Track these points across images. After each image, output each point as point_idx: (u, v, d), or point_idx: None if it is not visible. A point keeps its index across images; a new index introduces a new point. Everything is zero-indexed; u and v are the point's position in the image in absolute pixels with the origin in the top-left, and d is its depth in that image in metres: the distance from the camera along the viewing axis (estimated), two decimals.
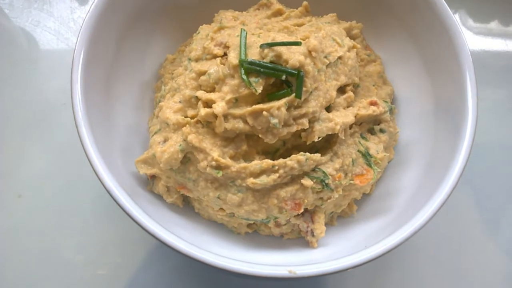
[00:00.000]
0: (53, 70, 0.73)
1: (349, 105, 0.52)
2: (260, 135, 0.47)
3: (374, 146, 0.52)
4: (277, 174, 0.46)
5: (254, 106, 0.46)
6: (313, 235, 0.51)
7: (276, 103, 0.45)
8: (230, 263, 0.41)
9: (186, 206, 0.55)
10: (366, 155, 0.51)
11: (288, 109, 0.46)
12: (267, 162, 0.47)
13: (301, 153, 0.47)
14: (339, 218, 0.56)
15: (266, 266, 0.41)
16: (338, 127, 0.48)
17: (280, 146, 0.51)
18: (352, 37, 0.58)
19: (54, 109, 0.69)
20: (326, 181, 0.48)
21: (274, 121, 0.45)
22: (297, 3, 0.59)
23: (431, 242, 0.63)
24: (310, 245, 0.52)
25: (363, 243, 0.48)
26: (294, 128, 0.47)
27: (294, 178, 0.48)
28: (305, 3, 0.58)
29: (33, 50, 0.74)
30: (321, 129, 0.48)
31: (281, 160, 0.47)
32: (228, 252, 0.51)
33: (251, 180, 0.46)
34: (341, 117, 0.49)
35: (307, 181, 0.47)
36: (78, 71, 0.47)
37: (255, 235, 0.55)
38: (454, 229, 0.64)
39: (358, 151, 0.51)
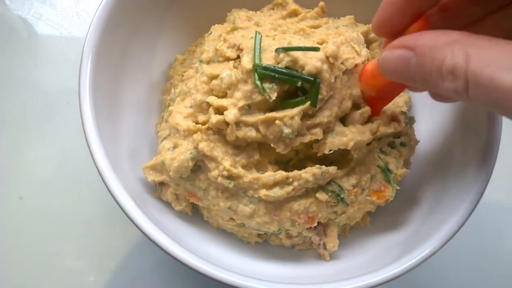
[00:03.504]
0: (55, 66, 0.70)
1: (366, 121, 0.49)
2: (272, 145, 0.45)
3: (394, 161, 0.50)
4: (291, 187, 0.44)
5: (267, 115, 0.44)
6: (325, 248, 0.49)
7: (289, 112, 0.43)
8: (242, 280, 0.40)
9: (195, 214, 0.53)
10: (385, 171, 0.48)
11: (302, 118, 0.44)
12: (281, 174, 0.45)
13: (317, 166, 0.45)
14: (352, 229, 0.54)
15: (281, 284, 0.40)
16: (351, 143, 0.45)
17: (293, 156, 0.49)
18: (370, 41, 0.56)
19: (57, 107, 0.67)
20: (342, 196, 0.46)
21: (287, 130, 0.43)
22: (312, 3, 0.57)
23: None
24: (322, 257, 0.50)
25: (379, 258, 0.46)
26: (307, 138, 0.45)
27: (308, 191, 0.46)
28: (321, 3, 0.56)
29: (34, 44, 0.72)
30: (333, 142, 0.45)
31: (295, 172, 0.45)
32: (237, 262, 0.50)
33: (263, 192, 0.44)
34: (357, 134, 0.46)
35: (321, 195, 0.45)
36: (87, 75, 0.45)
37: (265, 245, 0.53)
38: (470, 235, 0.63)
39: (378, 166, 0.49)
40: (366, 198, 0.48)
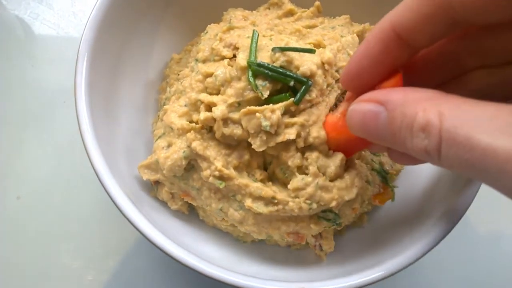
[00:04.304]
0: (52, 66, 0.70)
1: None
2: (249, 140, 0.44)
3: (388, 159, 0.49)
4: (275, 208, 0.43)
5: (248, 107, 0.43)
6: (321, 250, 0.49)
7: (271, 106, 0.42)
8: (239, 278, 0.40)
9: (191, 213, 0.53)
10: (381, 172, 0.48)
11: (283, 115, 0.43)
12: (267, 191, 0.43)
13: (307, 201, 0.42)
14: (349, 227, 0.54)
15: (277, 282, 0.40)
16: (334, 203, 0.42)
17: (268, 162, 0.47)
18: None
19: (54, 107, 0.67)
20: (338, 222, 0.45)
21: (266, 123, 0.42)
22: (308, 2, 0.57)
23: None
24: (319, 257, 0.50)
25: (375, 255, 0.46)
26: (280, 138, 0.43)
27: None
28: (317, 3, 0.56)
29: (31, 44, 0.72)
30: (311, 194, 0.42)
31: (283, 196, 0.43)
32: (233, 261, 0.50)
33: (248, 203, 0.44)
34: (344, 192, 0.43)
35: (316, 226, 0.44)
36: (83, 74, 0.45)
37: (262, 244, 0.54)
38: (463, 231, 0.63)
39: (373, 169, 0.48)
40: (364, 210, 0.48)
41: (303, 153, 0.43)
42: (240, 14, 0.54)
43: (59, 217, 0.61)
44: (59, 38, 0.72)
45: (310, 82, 0.43)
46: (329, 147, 0.42)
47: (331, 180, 0.43)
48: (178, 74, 0.55)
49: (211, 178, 0.44)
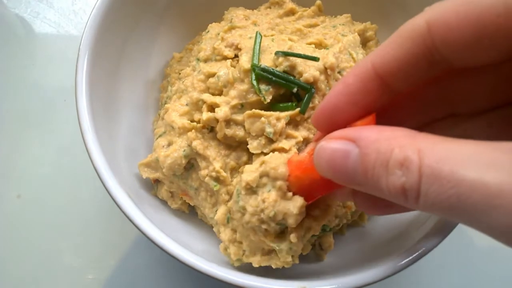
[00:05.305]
0: (52, 64, 0.70)
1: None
2: (247, 139, 0.44)
3: None
4: (241, 249, 0.44)
5: (254, 110, 0.43)
6: (321, 249, 0.49)
7: (277, 113, 0.43)
8: (239, 277, 0.40)
9: (191, 212, 0.53)
10: None
11: (287, 123, 0.43)
12: (235, 250, 0.43)
13: (287, 261, 0.41)
14: (349, 227, 0.54)
15: (277, 281, 0.40)
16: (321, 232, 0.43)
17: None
18: (366, 39, 0.56)
19: (55, 106, 0.67)
20: (328, 229, 0.46)
21: (270, 129, 0.42)
22: (309, 1, 0.57)
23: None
24: (319, 257, 0.50)
25: (376, 255, 0.46)
26: (274, 145, 0.43)
27: None
28: (318, 2, 0.56)
29: (32, 43, 0.72)
30: (302, 248, 0.42)
31: (258, 261, 0.43)
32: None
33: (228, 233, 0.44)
34: (321, 218, 0.41)
35: (305, 250, 0.44)
36: (83, 73, 0.45)
37: None
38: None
39: None
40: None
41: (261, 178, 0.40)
42: (241, 13, 0.54)
43: (60, 216, 0.61)
44: (60, 36, 0.72)
45: (313, 90, 0.43)
46: (290, 188, 0.38)
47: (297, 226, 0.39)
48: (179, 73, 0.55)
49: (207, 178, 0.44)
